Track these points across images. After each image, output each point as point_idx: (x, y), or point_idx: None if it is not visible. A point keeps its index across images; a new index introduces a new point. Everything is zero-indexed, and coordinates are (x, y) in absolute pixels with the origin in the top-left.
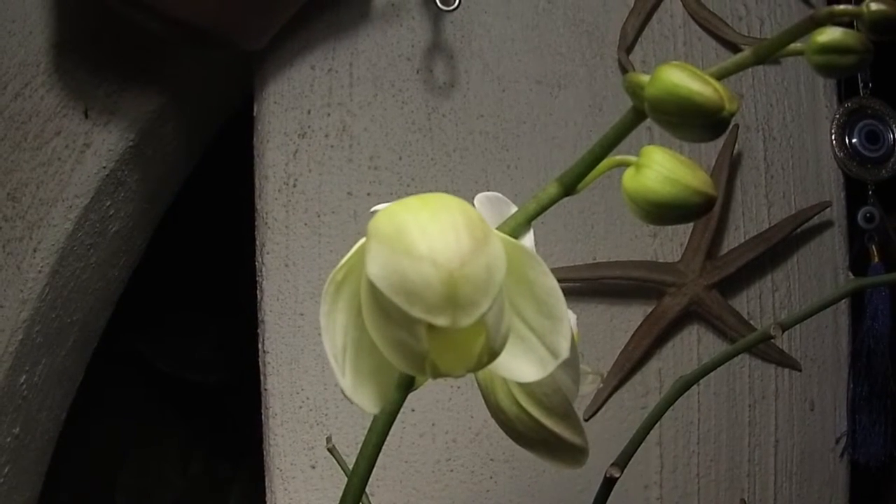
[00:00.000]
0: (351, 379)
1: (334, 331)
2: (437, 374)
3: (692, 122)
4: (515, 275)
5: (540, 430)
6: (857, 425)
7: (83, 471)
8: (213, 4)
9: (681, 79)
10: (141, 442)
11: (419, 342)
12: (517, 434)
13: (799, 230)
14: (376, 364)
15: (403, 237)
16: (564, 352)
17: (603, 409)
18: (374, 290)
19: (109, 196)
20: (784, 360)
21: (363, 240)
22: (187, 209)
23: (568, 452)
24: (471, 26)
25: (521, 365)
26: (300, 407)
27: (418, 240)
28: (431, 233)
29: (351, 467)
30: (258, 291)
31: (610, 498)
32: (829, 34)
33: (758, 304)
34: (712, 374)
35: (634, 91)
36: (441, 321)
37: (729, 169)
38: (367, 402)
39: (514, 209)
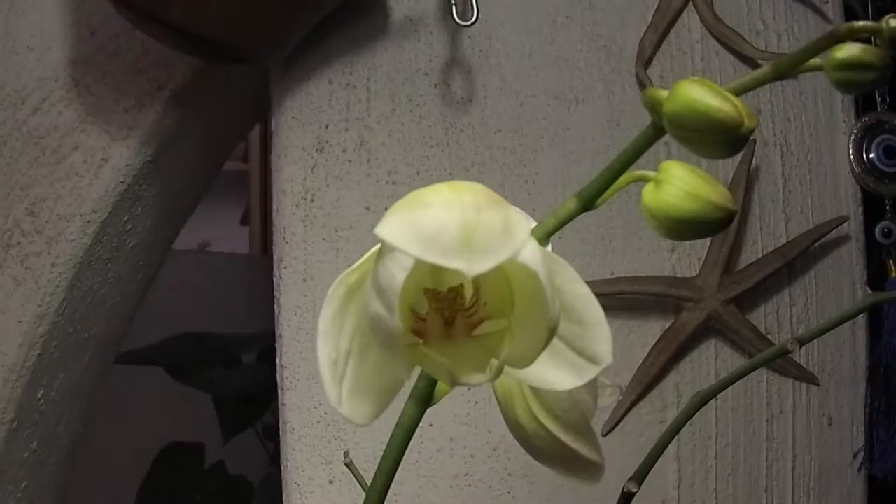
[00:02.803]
0: (348, 386)
1: (339, 335)
2: (454, 381)
3: (711, 137)
4: None
5: (557, 446)
6: (875, 440)
7: (100, 483)
8: (232, 19)
9: (700, 94)
10: (158, 454)
11: (392, 315)
12: (534, 449)
13: (816, 245)
14: (378, 379)
15: (419, 198)
16: (604, 357)
17: (621, 423)
18: (378, 257)
19: (127, 211)
20: (802, 375)
21: (378, 246)
22: None
23: (584, 468)
24: (489, 41)
25: (551, 373)
26: (318, 422)
27: (434, 198)
28: (447, 194)
29: (369, 482)
30: (275, 306)
31: None
32: (849, 50)
33: (775, 318)
34: (730, 388)
35: (653, 106)
36: (455, 264)
37: (746, 184)
38: (358, 415)
39: (532, 224)
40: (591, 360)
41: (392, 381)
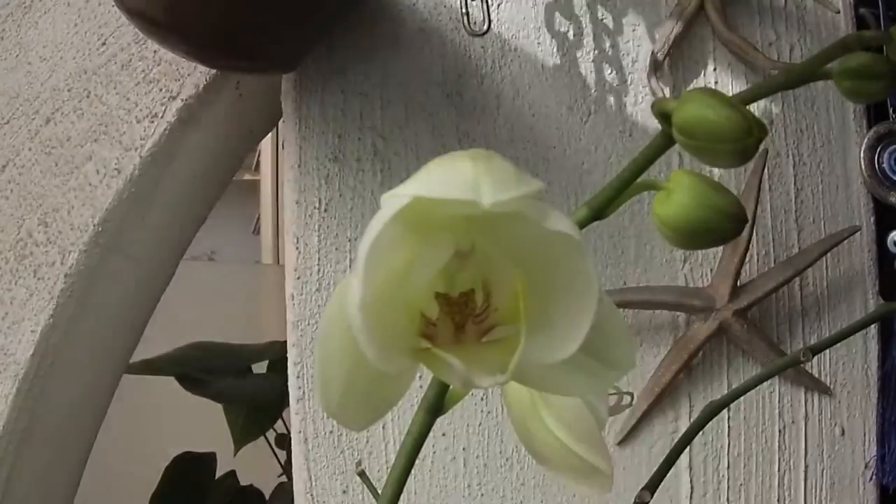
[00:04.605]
0: (345, 389)
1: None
2: (467, 383)
3: (719, 147)
4: None
5: (567, 455)
6: (887, 450)
7: (111, 493)
8: (245, 29)
9: (708, 104)
10: (169, 464)
11: (361, 284)
12: (544, 458)
13: (828, 255)
14: (379, 385)
15: (430, 164)
16: (627, 362)
17: (633, 433)
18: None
19: (139, 220)
20: (814, 385)
21: None
22: None
23: (593, 478)
24: (501, 51)
25: (570, 380)
26: (330, 431)
27: (446, 159)
28: (456, 153)
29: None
30: (288, 316)
31: None
32: (858, 59)
33: (787, 328)
34: (742, 398)
35: (663, 116)
36: (469, 196)
37: (758, 194)
38: (352, 420)
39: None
40: (613, 365)
41: (393, 388)
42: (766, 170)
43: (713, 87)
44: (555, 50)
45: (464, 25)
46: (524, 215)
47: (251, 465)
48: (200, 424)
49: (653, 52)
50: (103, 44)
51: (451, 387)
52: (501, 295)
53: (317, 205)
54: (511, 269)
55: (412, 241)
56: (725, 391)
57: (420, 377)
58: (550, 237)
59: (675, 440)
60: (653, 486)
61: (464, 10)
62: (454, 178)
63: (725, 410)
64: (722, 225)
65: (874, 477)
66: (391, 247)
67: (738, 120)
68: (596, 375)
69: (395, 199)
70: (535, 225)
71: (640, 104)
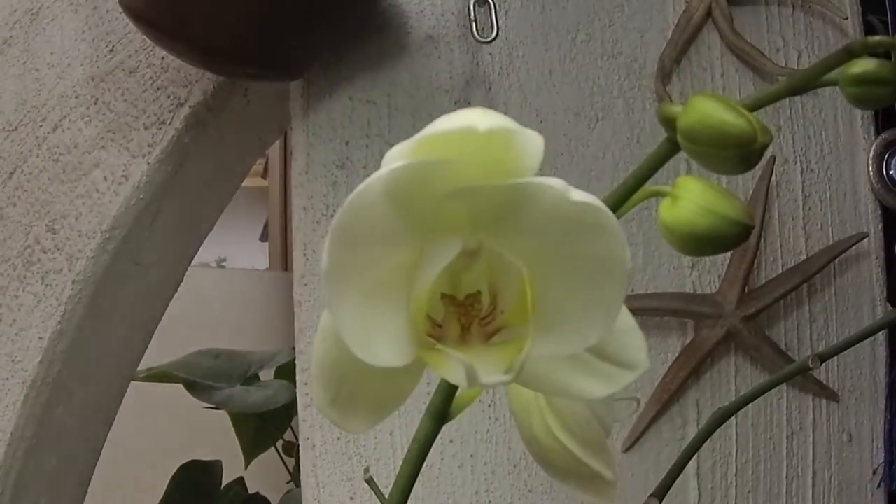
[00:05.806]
0: (347, 391)
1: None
2: (473, 381)
3: (724, 153)
4: None
5: (572, 461)
6: (894, 456)
7: (117, 500)
8: (253, 36)
9: (713, 109)
10: (176, 472)
11: (324, 254)
12: (549, 464)
13: (836, 261)
14: (380, 387)
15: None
16: (640, 363)
17: (641, 440)
18: None
19: (147, 227)
20: (822, 392)
21: None
22: None
23: (597, 485)
24: (509, 58)
25: (580, 382)
26: (338, 438)
27: (444, 116)
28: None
29: None
30: (295, 322)
31: None
32: (864, 65)
33: (795, 335)
34: (750, 405)
35: (668, 122)
36: (465, 123)
37: (766, 200)
38: (348, 421)
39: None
40: (625, 366)
41: (392, 391)
42: (773, 176)
43: (721, 92)
44: (562, 56)
45: (471, 33)
46: (547, 188)
47: (259, 473)
48: (208, 431)
49: (661, 58)
50: (111, 50)
51: (457, 393)
52: (508, 297)
53: (324, 211)
54: (519, 268)
55: (413, 236)
56: (733, 398)
57: (427, 383)
58: (572, 216)
59: (684, 446)
60: (661, 492)
61: (471, 18)
62: (451, 120)
63: (733, 417)
64: (728, 231)
65: (882, 483)
66: (375, 217)
67: (743, 125)
68: (608, 377)
69: (391, 160)
70: (559, 200)
71: (648, 110)
